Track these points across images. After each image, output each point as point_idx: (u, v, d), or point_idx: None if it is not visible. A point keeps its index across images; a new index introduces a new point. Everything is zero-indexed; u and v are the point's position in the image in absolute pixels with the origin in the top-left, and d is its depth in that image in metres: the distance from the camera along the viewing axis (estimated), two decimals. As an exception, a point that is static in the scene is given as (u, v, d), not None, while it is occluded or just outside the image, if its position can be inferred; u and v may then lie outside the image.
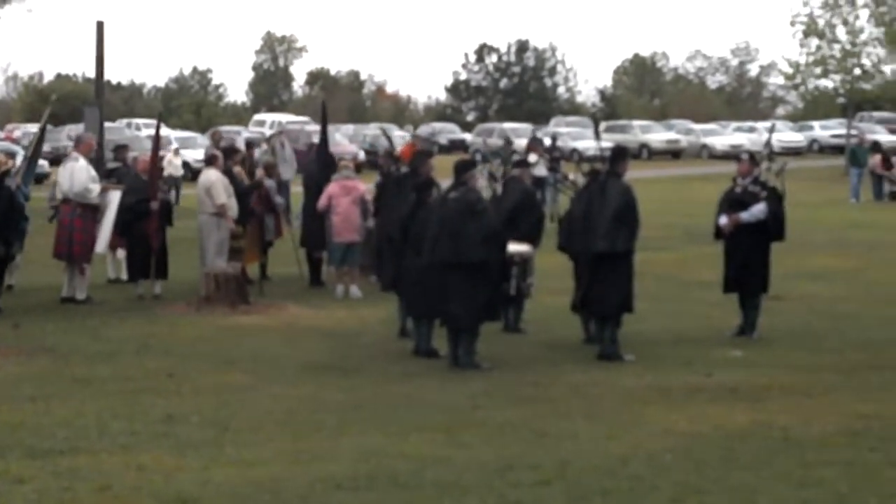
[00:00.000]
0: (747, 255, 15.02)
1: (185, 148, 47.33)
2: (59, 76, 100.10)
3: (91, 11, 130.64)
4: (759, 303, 15.20)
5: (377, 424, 10.43)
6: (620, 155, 14.31)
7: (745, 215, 14.91)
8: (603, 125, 63.49)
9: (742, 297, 15.24)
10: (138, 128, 61.92)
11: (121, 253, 18.78)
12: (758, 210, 14.90)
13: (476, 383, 12.28)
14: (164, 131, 52.62)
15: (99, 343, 14.43)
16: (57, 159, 41.09)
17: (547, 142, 37.18)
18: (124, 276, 18.69)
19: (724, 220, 15.11)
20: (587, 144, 54.25)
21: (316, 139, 26.54)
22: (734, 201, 15.12)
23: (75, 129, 48.10)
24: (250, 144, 24.16)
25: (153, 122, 60.94)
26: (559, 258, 14.81)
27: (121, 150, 20.98)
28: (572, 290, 14.28)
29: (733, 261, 15.16)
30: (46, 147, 51.67)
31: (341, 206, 18.28)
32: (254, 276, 18.98)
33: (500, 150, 33.09)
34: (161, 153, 20.62)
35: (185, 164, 41.38)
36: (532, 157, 30.21)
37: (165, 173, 37.38)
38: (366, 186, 19.01)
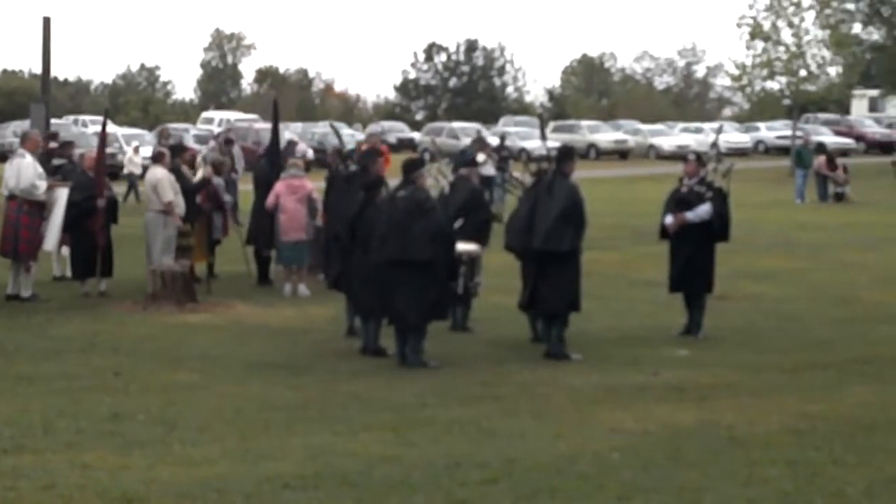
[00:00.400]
0: (692, 255, 15.13)
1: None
2: (4, 72, 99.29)
3: (38, 7, 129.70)
4: (704, 302, 15.31)
5: (325, 423, 10.41)
6: (567, 155, 14.36)
7: (691, 215, 15.02)
8: (551, 125, 63.72)
9: (687, 296, 15.35)
10: (85, 124, 61.42)
11: (65, 250, 18.64)
12: (703, 210, 15.01)
13: (424, 382, 12.29)
14: (111, 128, 52.35)
15: (44, 341, 14.31)
16: (2, 156, 40.77)
17: (496, 141, 37.27)
18: (70, 273, 18.55)
19: (669, 219, 15.23)
20: (535, 144, 54.39)
21: (264, 136, 26.45)
22: (680, 201, 15.23)
23: (21, 125, 47.68)
24: (229, 140, 24.00)
25: (100, 118, 60.73)
26: (506, 257, 14.85)
27: (66, 146, 20.81)
28: (520, 290, 14.32)
29: (678, 260, 15.27)
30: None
31: (288, 205, 18.26)
32: (201, 275, 18.89)
33: (468, 149, 33.12)
34: (114, 150, 20.46)
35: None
36: (480, 157, 30.22)
37: (125, 171, 37.15)
38: (313, 185, 18.96)
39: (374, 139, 25.98)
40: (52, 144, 20.44)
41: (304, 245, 18.32)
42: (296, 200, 18.27)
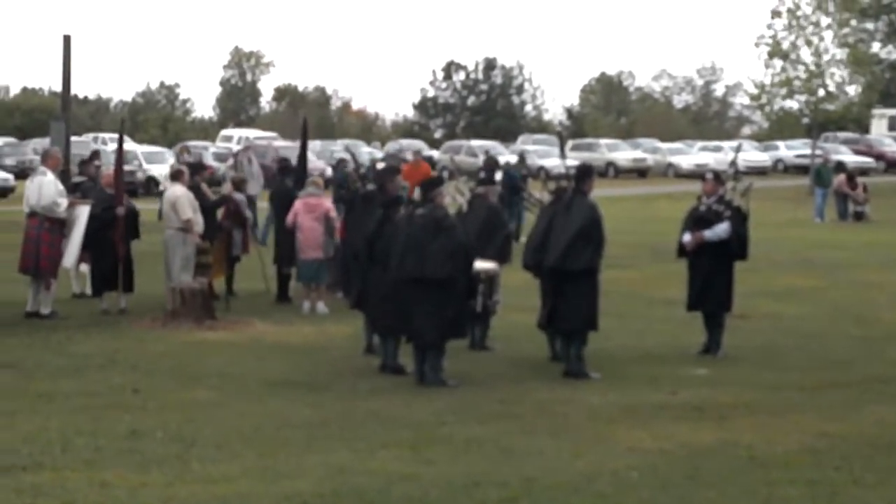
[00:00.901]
0: (711, 273, 15.11)
1: (152, 163, 47.18)
2: (25, 90, 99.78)
3: (58, 25, 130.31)
4: (723, 321, 15.27)
5: (344, 441, 10.42)
6: (586, 173, 14.36)
7: (709, 233, 15.01)
8: (570, 143, 63.75)
9: (706, 315, 15.32)
10: (105, 142, 61.65)
11: (84, 267, 18.68)
12: (721, 229, 15.00)
13: (442, 400, 12.29)
14: (131, 146, 52.57)
15: (63, 358, 14.35)
16: (23, 173, 40.94)
17: (513, 159, 37.44)
18: (90, 290, 18.61)
19: (687, 237, 15.23)
20: (554, 162, 54.42)
21: (283, 155, 26.50)
22: (698, 219, 15.23)
23: (41, 142, 47.89)
24: (284, 168, 24.07)
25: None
26: (525, 275, 14.84)
27: (86, 164, 20.91)
28: (538, 308, 14.31)
29: (697, 279, 15.25)
30: (12, 161, 51.74)
31: (305, 224, 18.30)
32: (220, 292, 18.92)
33: (513, 167, 33.54)
34: (133, 168, 20.36)
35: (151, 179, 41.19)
36: (500, 175, 30.25)
37: (161, 188, 37.27)
38: (331, 203, 18.98)
39: (417, 157, 26.24)
40: (96, 163, 20.55)
41: (323, 263, 18.36)
42: (313, 219, 18.31)
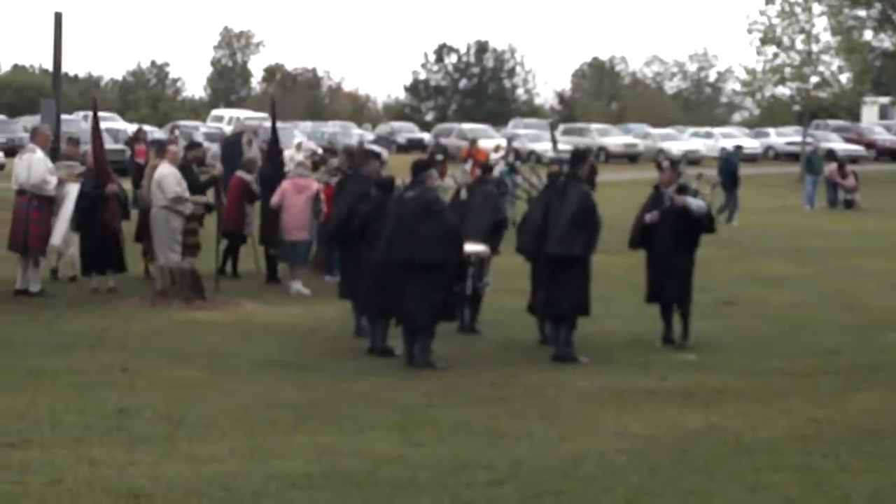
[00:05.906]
0: (672, 263, 14.78)
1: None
2: (15, 67, 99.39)
3: (49, 2, 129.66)
4: (689, 310, 14.94)
5: (332, 422, 10.42)
6: (581, 158, 14.30)
7: (692, 200, 14.66)
8: (561, 128, 63.76)
9: (672, 306, 15.02)
10: (94, 120, 61.21)
11: (73, 249, 18.55)
12: (701, 203, 14.73)
13: (431, 382, 12.30)
14: (120, 124, 52.31)
15: (53, 336, 14.33)
16: (13, 150, 40.79)
17: (503, 143, 37.57)
18: (79, 271, 18.51)
19: (649, 217, 14.76)
20: (545, 147, 54.43)
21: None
22: (661, 203, 14.81)
23: (31, 120, 47.68)
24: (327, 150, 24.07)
25: (110, 115, 60.61)
26: (515, 259, 14.85)
27: (70, 143, 20.87)
28: (528, 292, 14.32)
29: (656, 270, 14.98)
30: (2, 138, 51.55)
31: (293, 205, 18.25)
32: (209, 274, 18.87)
33: (732, 153, 34.09)
34: (123, 147, 19.97)
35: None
36: (493, 156, 30.29)
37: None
38: (319, 185, 18.90)
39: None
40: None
41: (305, 244, 18.30)
42: (303, 200, 18.26)
